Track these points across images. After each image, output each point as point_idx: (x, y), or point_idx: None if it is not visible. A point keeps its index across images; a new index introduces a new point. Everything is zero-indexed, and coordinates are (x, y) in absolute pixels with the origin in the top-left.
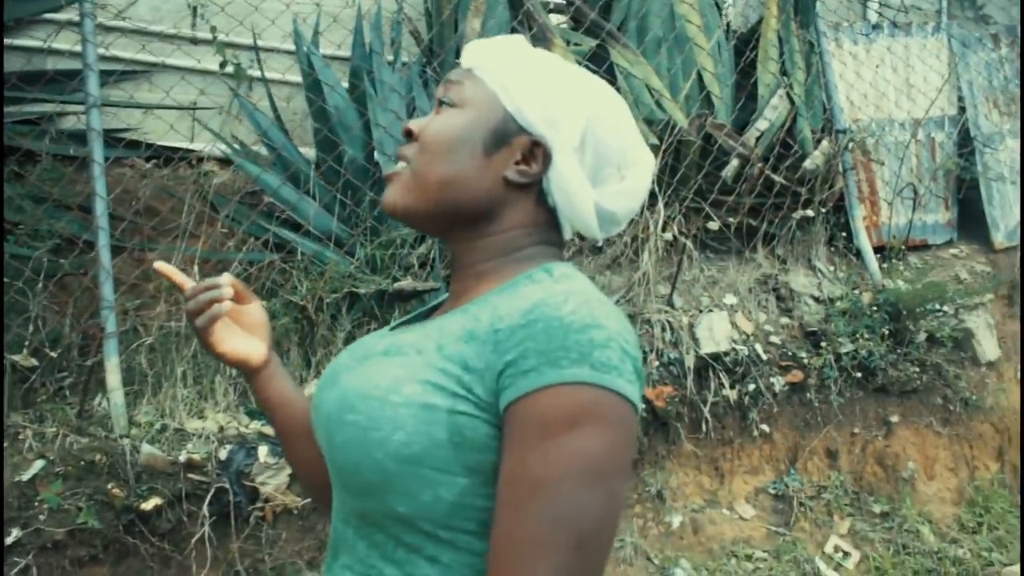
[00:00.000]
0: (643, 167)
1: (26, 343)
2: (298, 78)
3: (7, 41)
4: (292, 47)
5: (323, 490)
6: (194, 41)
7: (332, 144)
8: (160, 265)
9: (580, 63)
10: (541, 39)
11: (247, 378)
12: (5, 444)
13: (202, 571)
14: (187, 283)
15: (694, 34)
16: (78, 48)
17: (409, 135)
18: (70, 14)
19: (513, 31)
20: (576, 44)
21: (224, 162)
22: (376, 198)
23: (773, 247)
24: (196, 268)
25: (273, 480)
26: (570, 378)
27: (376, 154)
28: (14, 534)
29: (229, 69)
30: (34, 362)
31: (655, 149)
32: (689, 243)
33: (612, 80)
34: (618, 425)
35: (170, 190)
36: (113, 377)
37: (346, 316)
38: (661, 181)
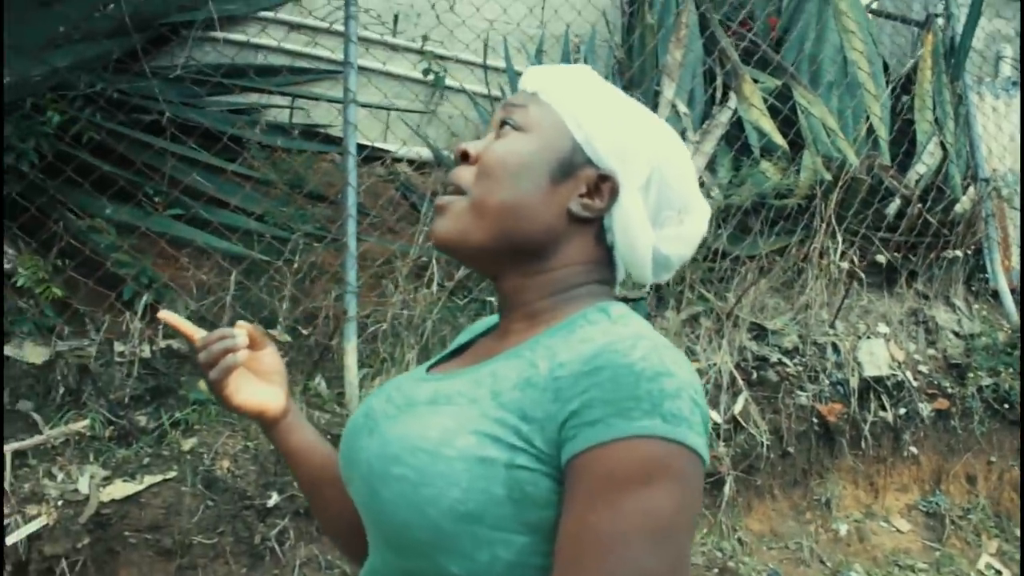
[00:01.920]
0: (701, 215)
1: (281, 320)
2: (491, 90)
3: (223, 35)
4: (479, 60)
5: (351, 540)
6: (392, 47)
7: None
8: (164, 315)
9: (766, 100)
10: (732, 75)
11: (265, 430)
12: None
13: None
14: (196, 334)
15: (864, 80)
16: (286, 45)
17: (465, 158)
18: (281, 13)
19: (706, 66)
20: (760, 82)
21: (416, 164)
22: None
23: (915, 283)
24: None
25: None
26: (641, 431)
27: None
28: (274, 498)
29: (430, 77)
30: (288, 338)
31: (830, 184)
32: (860, 272)
33: (795, 118)
34: (688, 481)
35: (408, 187)
36: (351, 358)
37: None
38: (837, 214)
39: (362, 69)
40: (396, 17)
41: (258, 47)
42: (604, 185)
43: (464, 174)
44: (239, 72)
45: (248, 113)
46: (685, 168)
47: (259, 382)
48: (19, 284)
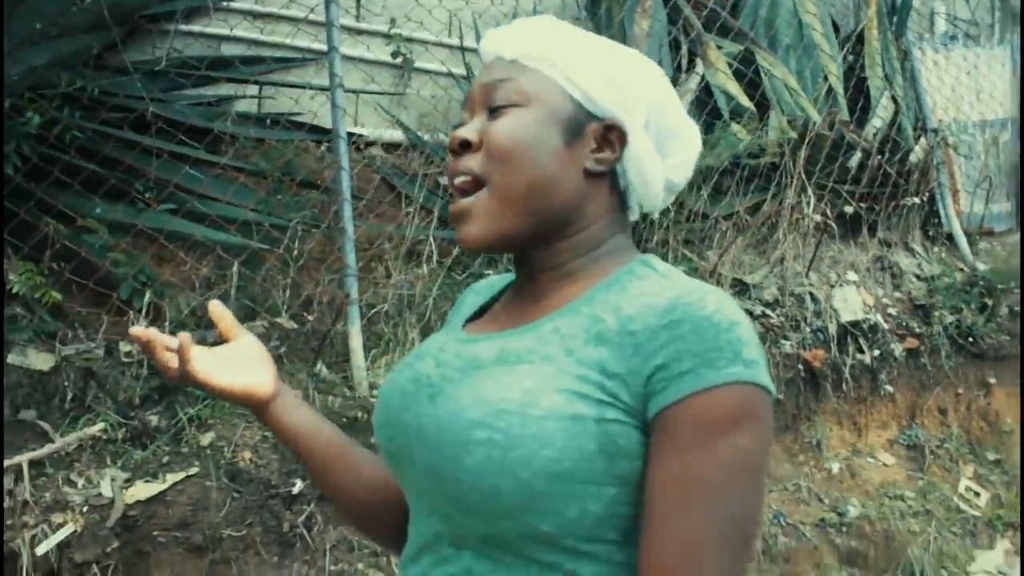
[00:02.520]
0: (693, 135)
1: (285, 307)
2: (458, 69)
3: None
4: (447, 40)
5: (366, 517)
6: (357, 32)
7: None
8: (136, 331)
9: (731, 65)
10: (697, 42)
11: (258, 414)
12: None
13: None
14: (232, 330)
15: (819, 41)
16: (252, 35)
17: (466, 146)
18: (245, 3)
19: (671, 35)
20: (722, 48)
21: (389, 147)
22: None
23: (877, 232)
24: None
25: None
26: (729, 378)
27: None
28: (298, 485)
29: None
30: (294, 325)
31: (797, 142)
32: (833, 224)
33: (759, 80)
34: (766, 420)
35: (390, 170)
36: (356, 340)
37: None
38: (805, 170)
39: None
40: (359, 2)
41: (235, 39)
42: (612, 135)
43: (473, 163)
44: (222, 63)
45: (227, 104)
46: (670, 96)
47: (242, 368)
48: (15, 291)
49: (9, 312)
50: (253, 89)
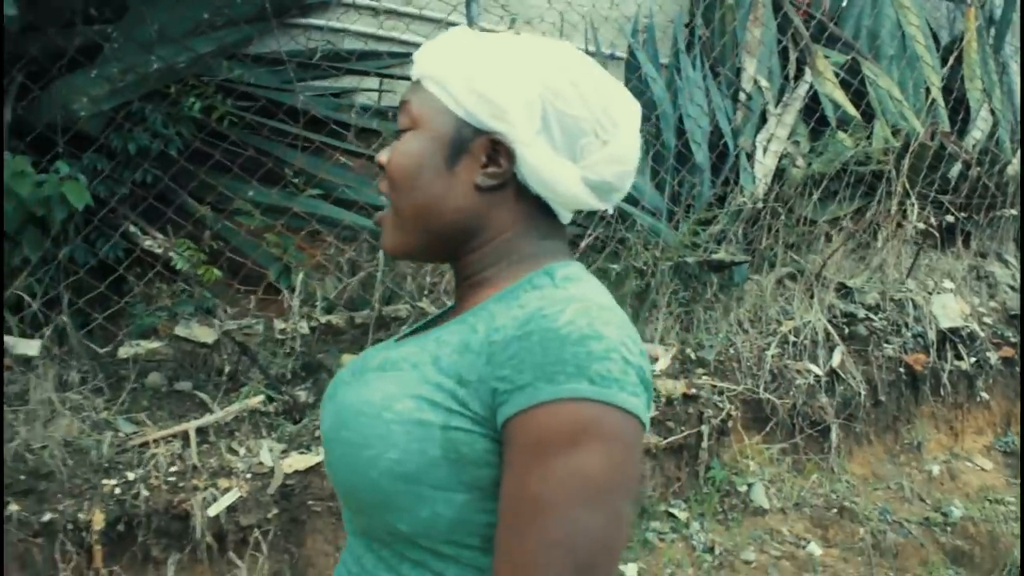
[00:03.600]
0: (625, 123)
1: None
2: None
3: (306, 20)
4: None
5: None
6: (435, 22)
7: (653, 132)
8: None
9: (837, 74)
10: (806, 51)
11: None
12: None
13: None
14: None
15: (921, 52)
16: (370, 30)
17: (382, 168)
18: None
19: (780, 44)
20: (829, 57)
21: None
22: (692, 181)
23: (971, 242)
24: None
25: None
26: (567, 394)
27: (690, 141)
28: None
29: None
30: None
31: (900, 152)
32: (934, 232)
33: (864, 90)
34: (620, 441)
35: None
36: None
37: (671, 282)
38: (908, 178)
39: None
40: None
41: (360, 34)
42: (499, 148)
43: (383, 185)
44: (373, 56)
45: (348, 96)
46: (583, 86)
47: None
48: (177, 267)
49: (173, 288)
50: (371, 82)
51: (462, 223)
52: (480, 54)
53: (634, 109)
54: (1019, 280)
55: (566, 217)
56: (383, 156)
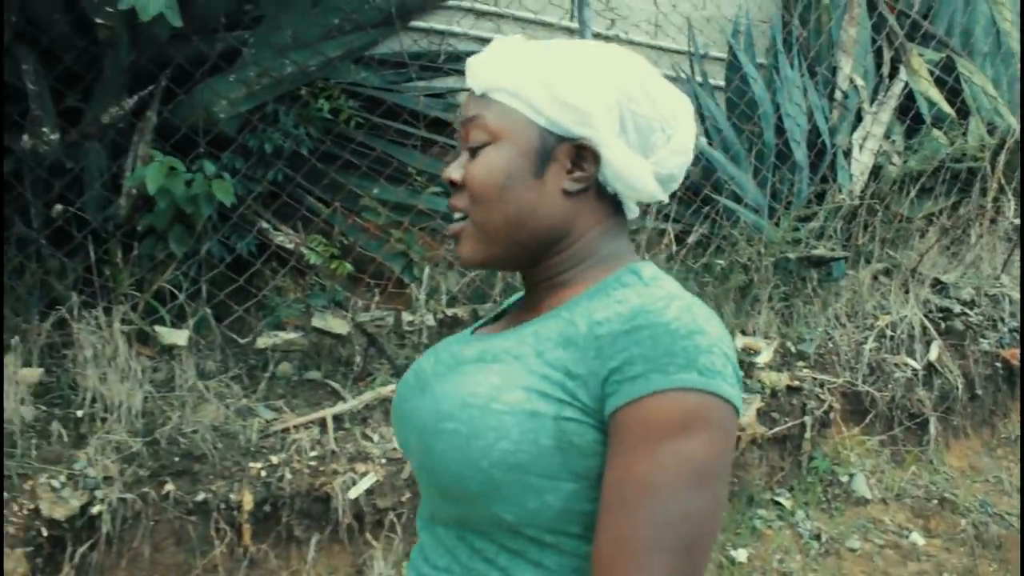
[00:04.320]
0: (684, 118)
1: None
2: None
3: (426, 24)
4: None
5: None
6: (571, 32)
7: (756, 131)
8: None
9: (932, 72)
10: (901, 50)
11: None
12: None
13: None
14: None
15: (1016, 49)
16: (487, 34)
17: (453, 185)
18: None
19: (874, 43)
20: (922, 55)
21: None
22: (792, 178)
23: None
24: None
25: (747, 412)
26: (679, 383)
27: (790, 140)
28: None
29: None
30: None
31: (995, 149)
32: None
33: (959, 87)
34: (724, 429)
35: None
36: None
37: (772, 277)
38: (1005, 176)
39: None
40: (572, 2)
41: (468, 37)
42: (584, 152)
43: (459, 201)
44: (455, 58)
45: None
46: (648, 86)
47: None
48: (310, 262)
49: (303, 282)
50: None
51: (551, 229)
52: (551, 64)
53: (687, 104)
54: (1019, 282)
55: (634, 212)
56: (454, 174)
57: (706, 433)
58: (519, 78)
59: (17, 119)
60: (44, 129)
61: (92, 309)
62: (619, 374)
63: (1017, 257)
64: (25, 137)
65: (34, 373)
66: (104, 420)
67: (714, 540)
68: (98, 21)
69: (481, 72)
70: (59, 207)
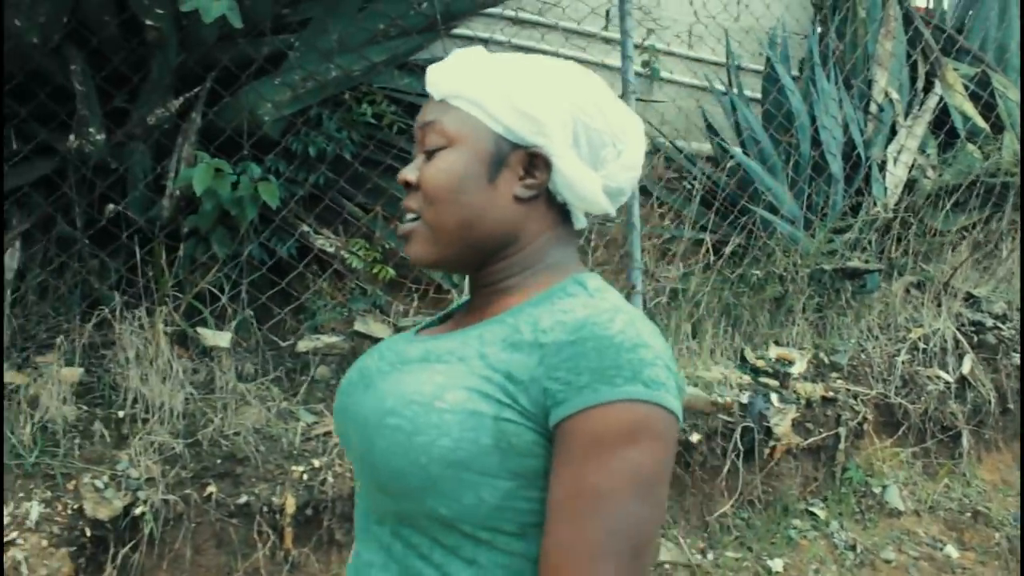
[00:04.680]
0: (634, 135)
1: None
2: (693, 81)
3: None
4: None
5: None
6: (606, 40)
7: (777, 140)
8: None
9: (966, 87)
10: (937, 64)
11: None
12: None
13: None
14: None
15: None
16: (529, 43)
17: (408, 186)
18: (502, 8)
19: (909, 57)
20: (957, 70)
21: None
22: (827, 190)
23: None
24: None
25: (782, 422)
26: (625, 395)
27: (825, 152)
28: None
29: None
30: None
31: None
32: None
33: (994, 102)
34: (667, 439)
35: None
36: None
37: (807, 288)
38: None
39: (585, 62)
40: (608, 13)
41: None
42: (537, 161)
43: (413, 202)
44: None
45: None
46: (601, 103)
47: None
48: (352, 266)
49: (344, 285)
50: None
51: (501, 233)
52: (511, 75)
53: (638, 123)
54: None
55: (582, 223)
56: (410, 175)
57: (651, 443)
58: (479, 86)
59: (64, 119)
60: (91, 129)
61: (135, 310)
62: (565, 384)
63: None
64: (71, 137)
65: (75, 373)
66: (145, 421)
67: (656, 544)
68: (147, 23)
69: (442, 79)
70: (111, 207)
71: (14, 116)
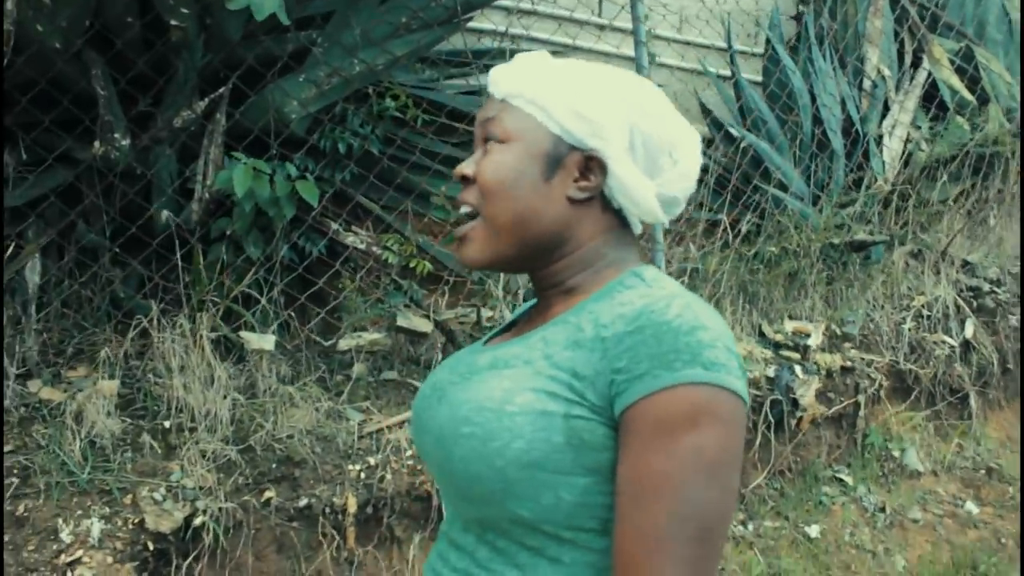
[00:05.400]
0: (691, 146)
1: None
2: (684, 64)
3: (491, 26)
4: (677, 36)
5: None
6: (600, 27)
7: (782, 120)
8: None
9: (952, 61)
10: (923, 40)
11: None
12: None
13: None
14: None
15: None
16: (544, 35)
17: (465, 180)
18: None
19: (896, 35)
20: (941, 45)
21: None
22: (830, 166)
23: None
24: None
25: (807, 393)
26: (685, 379)
27: (827, 130)
28: None
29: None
30: None
31: (1015, 133)
32: None
33: (978, 75)
34: (732, 421)
35: None
36: None
37: (817, 262)
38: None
39: (577, 49)
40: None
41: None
42: (592, 164)
43: (470, 196)
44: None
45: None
46: (661, 111)
47: None
48: (387, 260)
49: (378, 281)
50: None
51: (554, 233)
52: (572, 78)
53: (696, 135)
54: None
55: (638, 228)
56: (467, 169)
57: (714, 426)
58: (540, 87)
59: (88, 124)
60: (115, 135)
61: (173, 317)
62: (626, 373)
63: None
64: (96, 143)
65: (112, 385)
66: (192, 430)
67: (727, 528)
68: (172, 23)
69: (503, 79)
70: (165, 213)
71: (37, 123)
